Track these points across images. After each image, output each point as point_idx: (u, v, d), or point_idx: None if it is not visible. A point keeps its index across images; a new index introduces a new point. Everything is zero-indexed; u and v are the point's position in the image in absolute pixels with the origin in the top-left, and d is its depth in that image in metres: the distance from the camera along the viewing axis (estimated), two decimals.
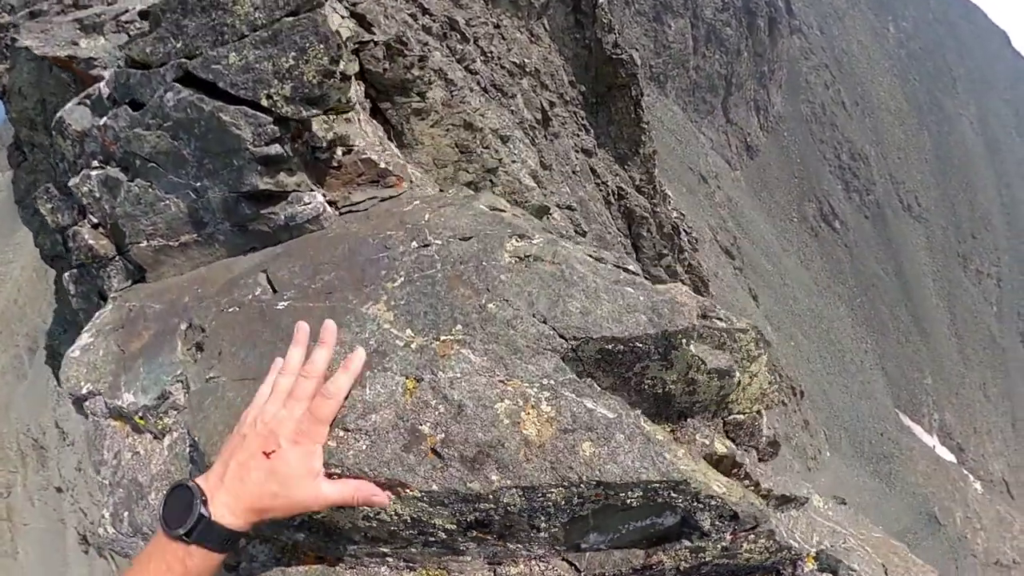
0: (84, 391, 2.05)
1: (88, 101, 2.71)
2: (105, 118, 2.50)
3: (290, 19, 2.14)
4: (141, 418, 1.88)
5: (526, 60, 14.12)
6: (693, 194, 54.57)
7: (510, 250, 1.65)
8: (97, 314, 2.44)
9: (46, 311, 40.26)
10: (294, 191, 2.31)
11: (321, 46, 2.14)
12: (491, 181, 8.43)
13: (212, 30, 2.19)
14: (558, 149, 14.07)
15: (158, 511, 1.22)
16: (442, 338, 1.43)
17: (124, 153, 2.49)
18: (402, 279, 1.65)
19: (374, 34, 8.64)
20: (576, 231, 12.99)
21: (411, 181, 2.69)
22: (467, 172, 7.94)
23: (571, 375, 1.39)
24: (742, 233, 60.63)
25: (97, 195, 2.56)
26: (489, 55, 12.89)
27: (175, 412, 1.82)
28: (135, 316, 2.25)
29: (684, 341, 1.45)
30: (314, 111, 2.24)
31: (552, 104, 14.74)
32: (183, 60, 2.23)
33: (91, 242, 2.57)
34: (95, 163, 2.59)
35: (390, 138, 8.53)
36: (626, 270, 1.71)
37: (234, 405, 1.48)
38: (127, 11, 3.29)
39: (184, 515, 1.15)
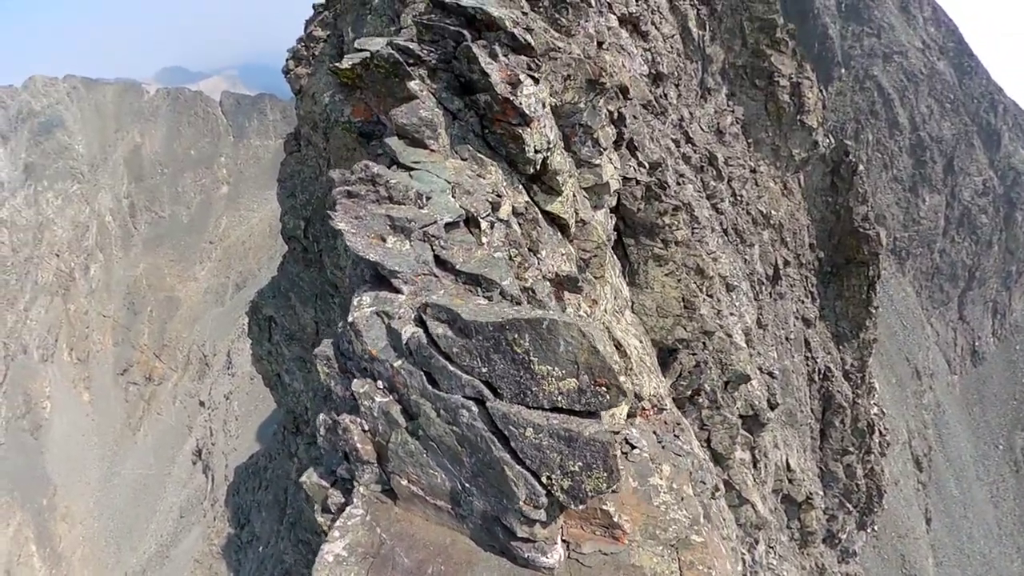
0: None
1: (385, 319, 3.06)
2: (399, 363, 2.89)
3: (588, 431, 2.48)
4: None
5: (773, 212, 13.66)
6: (901, 388, 48.15)
7: None
8: (349, 511, 2.86)
9: (264, 263, 47.48)
10: (541, 542, 2.68)
11: (605, 474, 2.51)
12: (703, 343, 8.07)
13: (516, 383, 2.55)
14: (778, 311, 13.20)
15: None
16: None
17: (409, 402, 2.85)
18: None
19: (638, 158, 8.67)
20: (769, 402, 11.93)
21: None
22: (684, 330, 7.70)
23: None
24: (939, 446, 51.76)
25: (375, 415, 2.96)
26: (739, 198, 12.66)
27: None
28: (385, 556, 2.60)
29: None
30: (581, 506, 2.63)
31: (786, 263, 13.95)
32: (483, 387, 2.61)
33: (358, 445, 2.99)
34: (380, 385, 3.00)
35: (624, 273, 8.49)
36: None
37: None
38: (435, 222, 3.56)
39: None
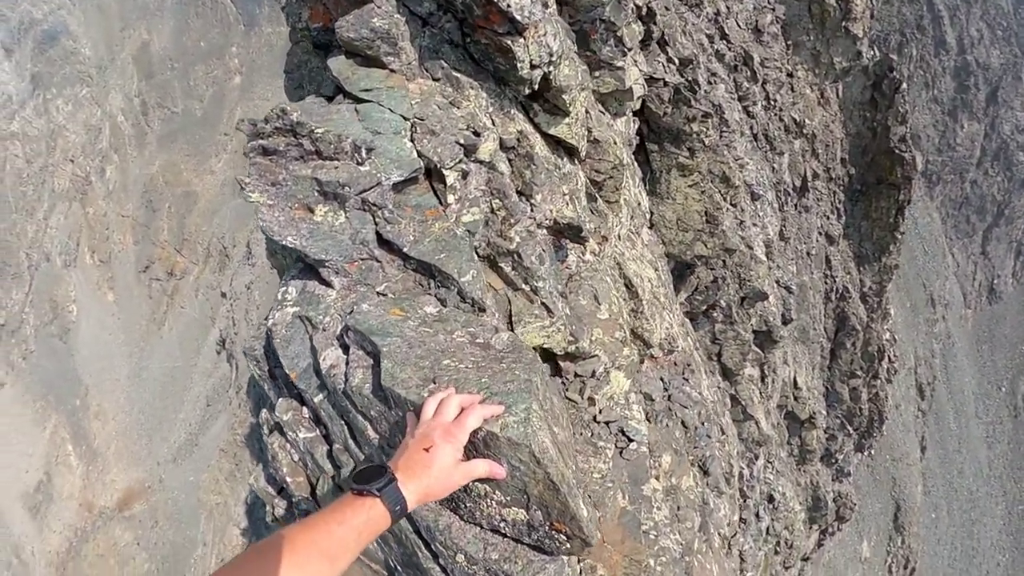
0: None
1: (308, 329, 2.44)
2: (320, 398, 2.34)
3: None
4: None
5: (807, 120, 12.95)
6: (915, 313, 48.18)
7: None
8: None
9: None
10: None
11: None
12: (723, 261, 7.82)
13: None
14: (802, 224, 12.83)
15: (349, 480, 1.58)
16: None
17: (333, 447, 2.33)
18: None
19: (668, 54, 8.08)
20: (783, 317, 11.85)
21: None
22: (705, 246, 7.43)
23: None
24: (944, 377, 52.33)
25: (302, 448, 2.45)
26: (773, 103, 11.98)
27: None
28: None
29: None
30: None
31: (815, 175, 13.40)
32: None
33: (288, 478, 2.53)
34: (305, 413, 2.47)
35: (645, 181, 8.00)
36: None
37: None
38: (378, 184, 2.66)
39: (378, 477, 1.52)
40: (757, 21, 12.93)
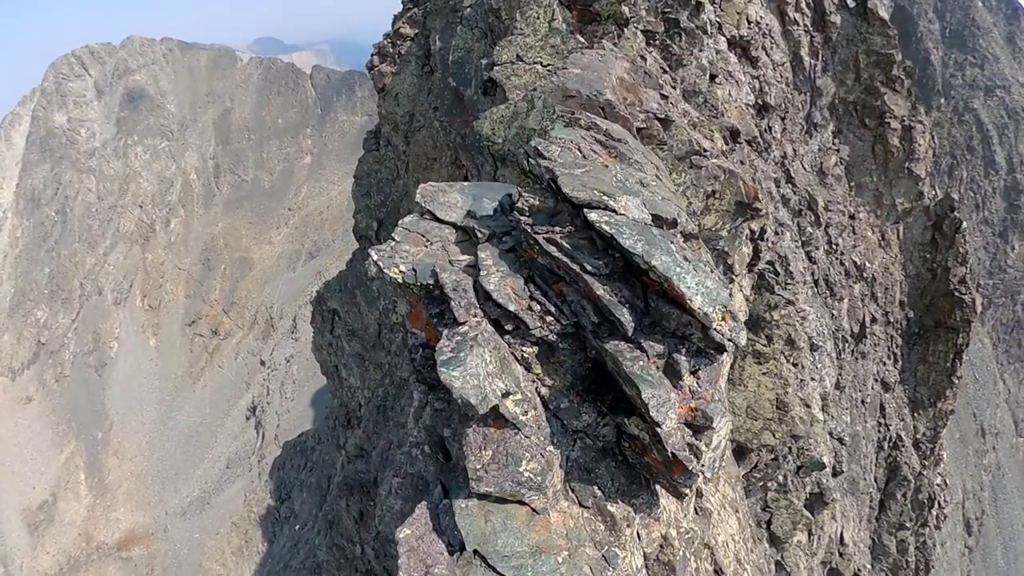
0: None
1: None
2: None
3: None
4: None
5: (868, 263, 12.79)
6: (964, 444, 45.70)
7: None
8: None
9: (340, 235, 48.47)
10: None
11: None
12: (788, 448, 7.56)
13: None
14: (858, 371, 12.42)
15: None
16: None
17: None
18: None
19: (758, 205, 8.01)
20: (834, 469, 11.28)
21: None
22: (773, 435, 7.21)
23: None
24: (993, 511, 48.81)
25: None
26: (834, 247, 11.91)
27: None
28: None
29: None
30: None
31: (874, 320, 13.11)
32: None
33: None
34: None
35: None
36: None
37: None
38: None
39: None
40: (822, 163, 13.10)
